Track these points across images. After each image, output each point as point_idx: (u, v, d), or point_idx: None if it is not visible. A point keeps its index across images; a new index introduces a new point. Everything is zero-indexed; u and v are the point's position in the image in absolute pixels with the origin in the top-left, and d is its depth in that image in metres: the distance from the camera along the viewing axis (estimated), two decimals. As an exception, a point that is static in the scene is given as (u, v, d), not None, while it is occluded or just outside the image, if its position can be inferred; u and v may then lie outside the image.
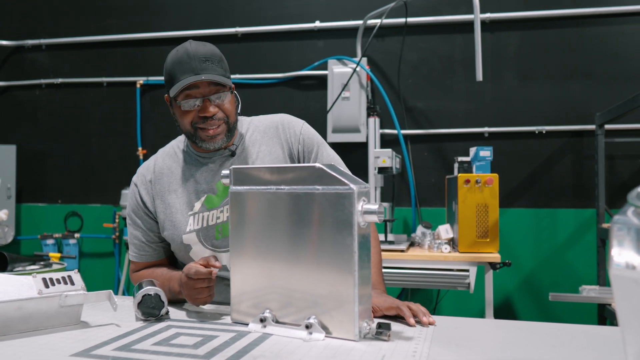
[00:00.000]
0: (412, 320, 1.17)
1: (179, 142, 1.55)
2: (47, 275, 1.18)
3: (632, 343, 0.65)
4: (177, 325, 1.20)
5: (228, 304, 1.42)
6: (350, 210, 1.03)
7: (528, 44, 3.44)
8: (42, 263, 2.61)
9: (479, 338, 1.10)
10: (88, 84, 4.11)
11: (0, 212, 2.66)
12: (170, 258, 1.57)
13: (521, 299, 3.38)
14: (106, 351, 1.01)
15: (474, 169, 2.95)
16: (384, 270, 1.83)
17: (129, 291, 3.89)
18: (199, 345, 1.04)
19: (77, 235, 4.00)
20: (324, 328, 1.07)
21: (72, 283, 1.20)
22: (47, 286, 1.16)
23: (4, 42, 4.21)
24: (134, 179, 1.53)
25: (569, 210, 3.34)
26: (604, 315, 2.86)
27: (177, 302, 1.45)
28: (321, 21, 3.67)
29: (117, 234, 3.99)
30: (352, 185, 1.04)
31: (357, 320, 1.04)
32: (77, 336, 1.11)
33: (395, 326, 1.15)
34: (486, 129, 3.44)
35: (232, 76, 1.47)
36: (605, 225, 2.98)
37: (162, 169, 1.51)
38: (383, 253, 2.36)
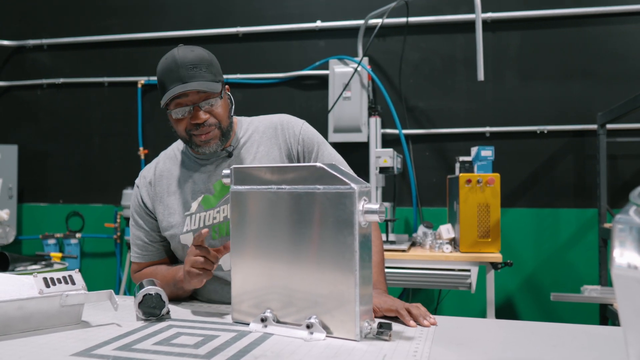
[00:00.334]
0: (412, 323, 1.17)
1: (179, 144, 1.58)
2: (48, 275, 1.18)
3: (634, 343, 0.65)
4: (178, 324, 1.20)
5: (226, 303, 1.42)
6: (352, 209, 1.03)
7: (529, 43, 3.43)
8: (43, 263, 2.62)
9: (481, 338, 1.10)
10: (89, 84, 4.11)
11: (1, 212, 2.67)
12: (172, 258, 1.58)
13: (523, 299, 3.37)
14: (107, 351, 1.01)
15: (475, 168, 2.95)
16: (385, 270, 1.83)
17: (130, 291, 3.89)
18: (199, 345, 1.04)
19: (78, 235, 4.01)
20: (325, 328, 1.07)
21: (73, 283, 1.20)
22: (48, 286, 1.16)
23: (6, 42, 4.22)
24: (136, 180, 1.57)
25: (571, 210, 3.34)
26: (606, 315, 2.86)
27: (178, 301, 1.45)
28: (322, 21, 3.67)
29: (118, 233, 3.99)
30: (353, 185, 1.04)
31: (358, 320, 1.03)
32: (78, 336, 1.11)
33: (396, 326, 1.15)
34: (487, 128, 3.44)
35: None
36: (607, 225, 2.98)
37: (162, 171, 1.54)
38: (384, 253, 2.36)
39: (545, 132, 3.37)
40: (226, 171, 1.22)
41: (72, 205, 4.13)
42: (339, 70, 3.43)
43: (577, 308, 3.19)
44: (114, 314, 1.29)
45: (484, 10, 3.31)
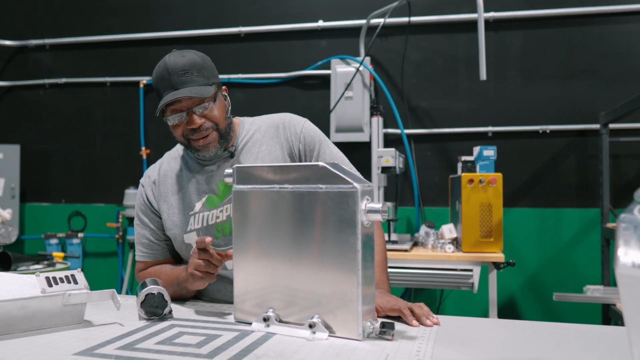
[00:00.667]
0: (414, 322, 1.17)
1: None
2: (51, 274, 1.18)
3: (638, 343, 0.65)
4: (180, 324, 1.20)
5: (230, 302, 1.42)
6: (354, 209, 1.03)
7: (532, 43, 3.43)
8: (45, 262, 2.62)
9: (483, 338, 1.10)
10: (91, 83, 4.12)
11: (4, 211, 2.67)
12: (176, 258, 1.59)
13: (525, 298, 3.37)
14: (109, 350, 1.01)
15: (477, 168, 2.94)
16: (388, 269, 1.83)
17: (132, 290, 3.90)
18: (202, 344, 1.04)
19: (80, 234, 4.01)
20: (328, 327, 1.07)
21: (76, 282, 1.20)
22: (50, 285, 1.16)
23: (8, 42, 4.22)
24: (141, 180, 1.58)
25: (573, 209, 3.33)
26: (609, 315, 2.85)
27: (180, 300, 1.45)
28: (324, 20, 3.67)
29: (120, 233, 3.99)
30: (355, 184, 1.04)
31: (361, 320, 1.03)
32: (80, 335, 1.11)
33: (399, 326, 1.15)
34: (490, 128, 3.43)
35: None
36: (609, 225, 2.97)
37: (166, 171, 1.55)
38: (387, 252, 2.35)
39: (548, 131, 3.36)
40: (228, 170, 1.22)
41: (75, 205, 4.13)
42: (340, 70, 3.43)
43: (579, 308, 3.18)
44: (116, 313, 1.29)
45: (486, 10, 3.31)
